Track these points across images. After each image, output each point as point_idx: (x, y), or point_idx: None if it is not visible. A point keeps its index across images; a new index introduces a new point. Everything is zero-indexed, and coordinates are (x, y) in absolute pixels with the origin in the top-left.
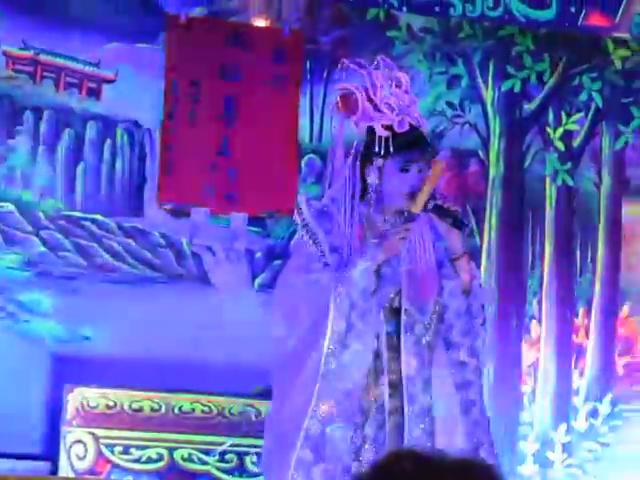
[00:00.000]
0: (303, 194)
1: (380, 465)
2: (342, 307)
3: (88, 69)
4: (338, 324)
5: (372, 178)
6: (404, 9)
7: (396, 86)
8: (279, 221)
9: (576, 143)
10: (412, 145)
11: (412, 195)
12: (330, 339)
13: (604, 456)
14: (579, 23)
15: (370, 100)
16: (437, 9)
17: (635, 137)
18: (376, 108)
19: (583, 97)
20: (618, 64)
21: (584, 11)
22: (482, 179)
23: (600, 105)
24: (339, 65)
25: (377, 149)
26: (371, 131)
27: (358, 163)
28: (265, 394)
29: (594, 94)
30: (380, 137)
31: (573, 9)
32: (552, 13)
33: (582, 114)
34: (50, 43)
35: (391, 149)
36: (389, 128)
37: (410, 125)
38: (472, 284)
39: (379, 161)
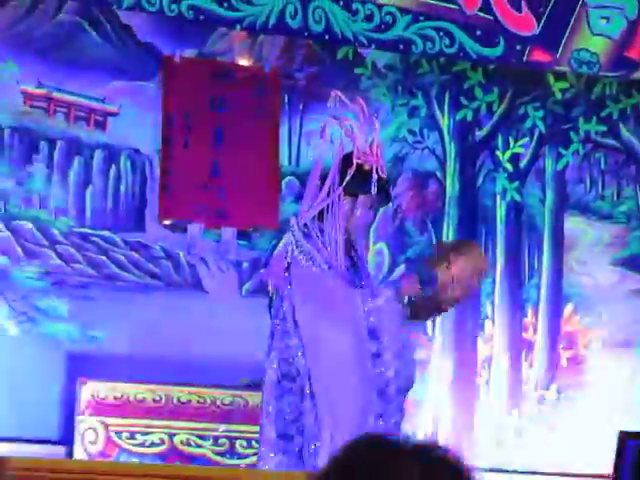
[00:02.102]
0: (293, 217)
1: (342, 456)
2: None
3: (95, 104)
4: (371, 346)
5: (347, 209)
6: (372, 46)
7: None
8: (263, 235)
9: (522, 164)
10: (384, 190)
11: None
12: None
13: (551, 438)
14: (524, 59)
15: (367, 140)
16: (401, 47)
17: (573, 159)
18: (371, 148)
19: (528, 124)
20: (558, 95)
21: (528, 48)
22: (440, 197)
23: (543, 131)
24: (332, 97)
25: (372, 189)
26: (361, 169)
27: (342, 195)
28: (252, 386)
29: (537, 121)
30: (376, 178)
31: (519, 47)
32: (500, 50)
33: (527, 139)
34: (62, 82)
35: (374, 190)
36: (376, 170)
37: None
38: None
39: (361, 197)
